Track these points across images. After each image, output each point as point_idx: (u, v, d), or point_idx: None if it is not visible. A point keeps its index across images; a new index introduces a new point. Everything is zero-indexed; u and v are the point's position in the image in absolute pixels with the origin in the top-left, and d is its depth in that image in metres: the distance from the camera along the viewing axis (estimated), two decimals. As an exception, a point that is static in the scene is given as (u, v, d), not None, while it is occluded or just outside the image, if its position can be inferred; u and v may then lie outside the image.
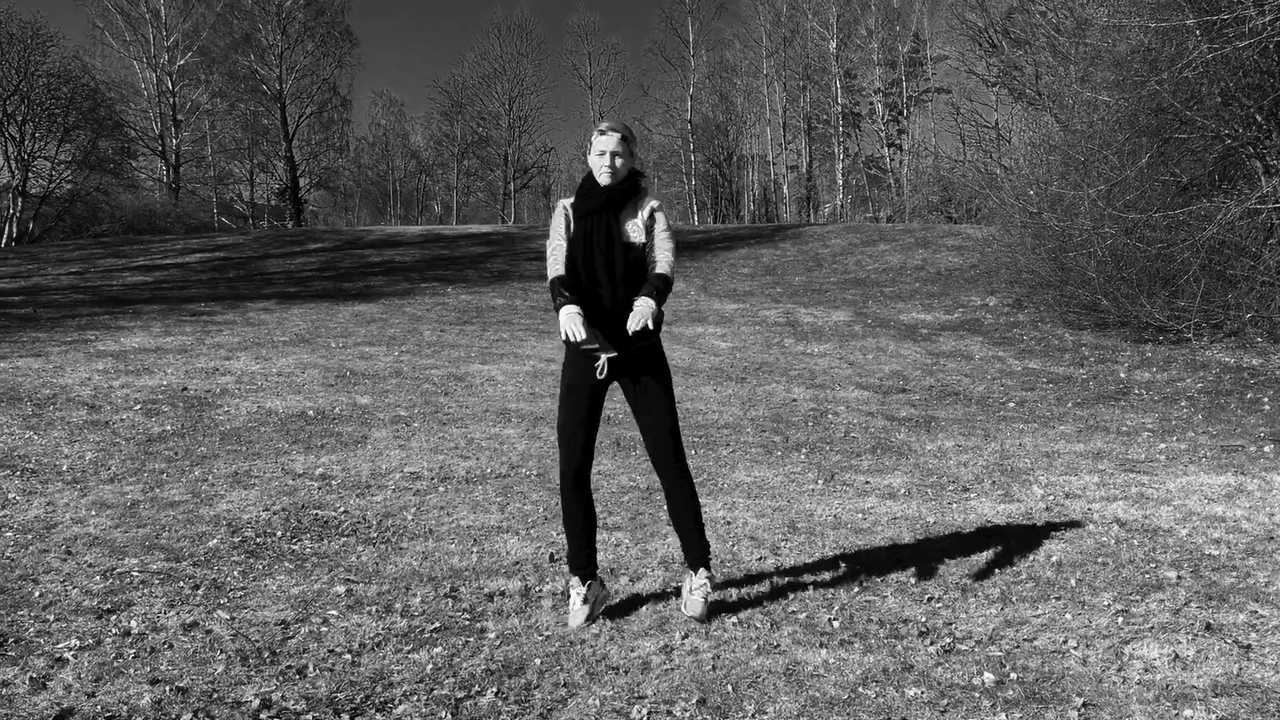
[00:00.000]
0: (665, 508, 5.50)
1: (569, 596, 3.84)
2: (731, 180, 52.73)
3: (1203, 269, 11.84)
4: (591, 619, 3.74)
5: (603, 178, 3.64)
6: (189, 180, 45.02)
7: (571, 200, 3.74)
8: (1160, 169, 12.66)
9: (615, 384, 3.79)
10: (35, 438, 7.00)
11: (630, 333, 3.47)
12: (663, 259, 3.67)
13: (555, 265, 3.65)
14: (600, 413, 3.79)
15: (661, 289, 3.57)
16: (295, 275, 19.59)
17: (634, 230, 3.66)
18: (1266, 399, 9.17)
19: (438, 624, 3.76)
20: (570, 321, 3.40)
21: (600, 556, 4.63)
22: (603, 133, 3.66)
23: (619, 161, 3.64)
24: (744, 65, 50.66)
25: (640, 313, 3.45)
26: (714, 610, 3.83)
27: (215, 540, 4.84)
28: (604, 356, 3.63)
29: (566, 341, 3.58)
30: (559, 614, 3.86)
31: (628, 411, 7.54)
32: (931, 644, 3.53)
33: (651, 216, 3.70)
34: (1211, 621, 3.73)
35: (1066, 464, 6.76)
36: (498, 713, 3.03)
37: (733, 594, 4.10)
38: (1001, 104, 40.28)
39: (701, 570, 3.80)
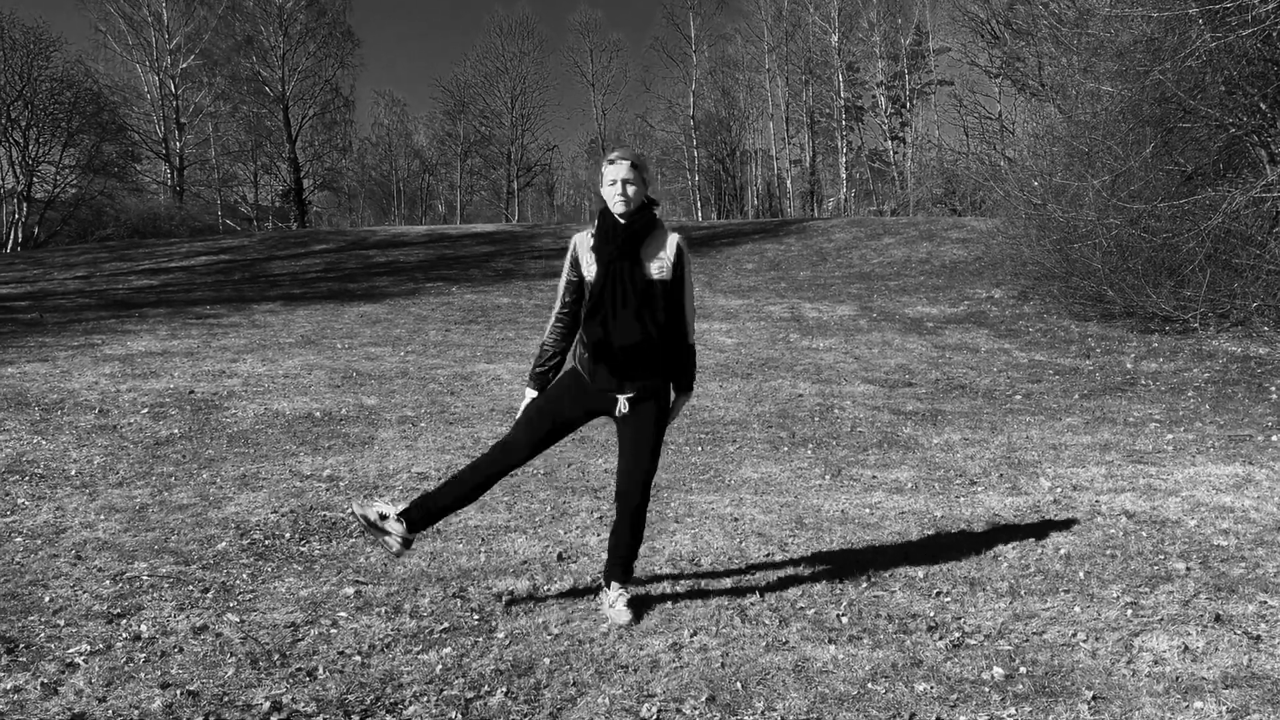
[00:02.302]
0: (669, 505, 5.50)
1: (384, 515, 3.70)
2: (735, 175, 52.67)
3: (1208, 258, 11.81)
4: (367, 527, 3.66)
5: (617, 207, 3.64)
6: (193, 183, 45.06)
7: (590, 242, 3.72)
8: (1164, 159, 12.62)
9: (595, 419, 3.85)
10: (43, 442, 7.02)
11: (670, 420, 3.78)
12: (689, 319, 3.78)
13: (549, 327, 3.81)
14: (565, 433, 3.82)
15: (693, 369, 3.85)
16: (300, 277, 19.62)
17: (657, 269, 3.66)
18: (1274, 388, 9.14)
19: (447, 624, 3.77)
20: (522, 405, 3.79)
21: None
22: (612, 162, 3.65)
23: (631, 190, 3.62)
24: (746, 60, 50.62)
25: (679, 411, 3.88)
26: (717, 607, 3.84)
27: (224, 543, 4.85)
28: (622, 398, 3.68)
29: (574, 366, 3.78)
30: (568, 612, 3.86)
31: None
32: (940, 639, 3.53)
33: (679, 254, 3.71)
34: (1221, 613, 3.72)
35: (1074, 456, 6.75)
36: (507, 712, 3.04)
37: (740, 590, 4.10)
38: (1004, 95, 40.17)
39: (614, 584, 3.85)
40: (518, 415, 3.69)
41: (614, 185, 3.63)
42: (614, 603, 3.82)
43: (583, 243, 3.74)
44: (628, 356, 3.61)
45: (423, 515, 3.73)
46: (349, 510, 3.65)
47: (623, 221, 3.64)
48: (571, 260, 3.75)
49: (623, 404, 3.67)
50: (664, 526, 5.11)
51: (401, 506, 3.73)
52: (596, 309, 3.63)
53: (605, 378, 3.66)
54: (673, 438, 7.28)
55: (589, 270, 3.68)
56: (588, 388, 3.72)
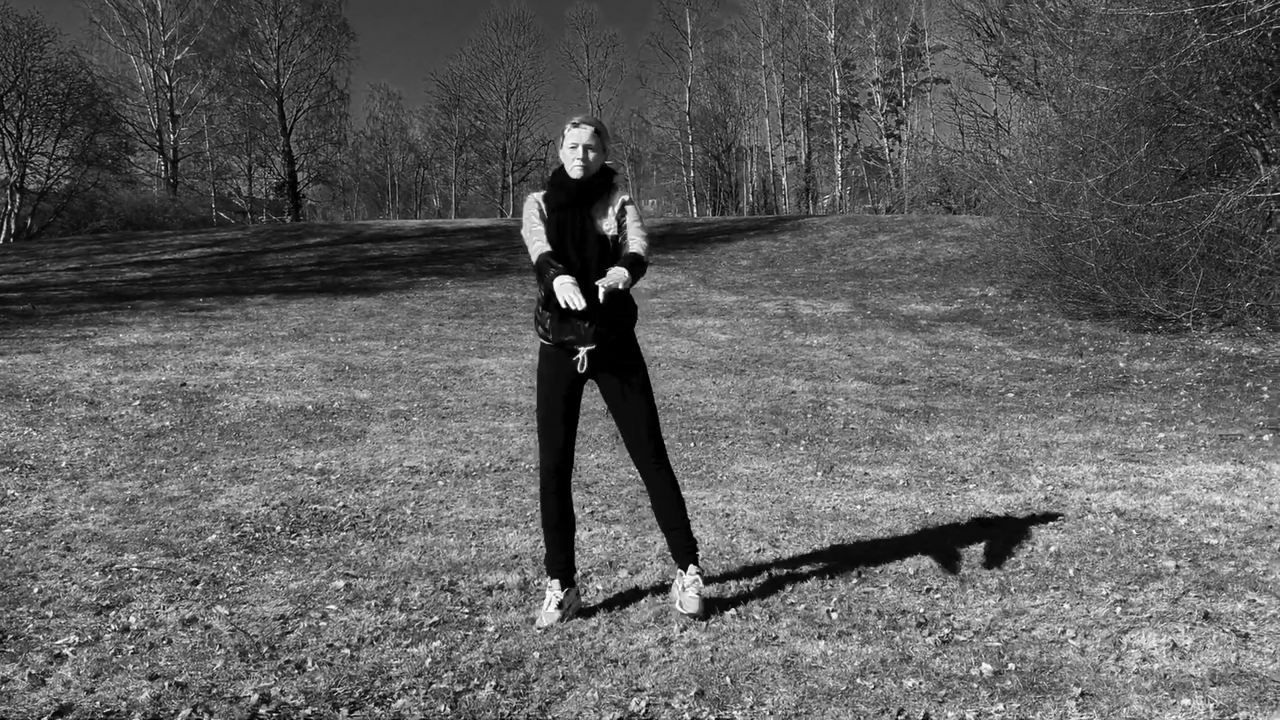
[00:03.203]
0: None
1: (544, 595, 3.84)
2: (730, 172, 52.65)
3: (1202, 258, 11.83)
4: (561, 621, 3.71)
5: (574, 170, 3.62)
6: (187, 175, 44.98)
7: (543, 193, 3.70)
8: (1159, 158, 12.64)
9: (592, 382, 3.78)
10: (34, 434, 7.00)
11: (599, 296, 3.43)
12: (635, 242, 3.62)
13: (540, 244, 3.57)
14: (578, 411, 3.79)
15: (634, 264, 3.51)
16: (294, 270, 19.58)
17: (607, 225, 3.64)
18: (1265, 388, 9.17)
19: (436, 618, 3.76)
20: (567, 290, 3.34)
21: (599, 549, 4.64)
22: (575, 125, 3.63)
23: (591, 155, 3.61)
24: (742, 57, 50.55)
25: (612, 276, 3.40)
26: (711, 604, 3.83)
27: (214, 535, 4.85)
28: (582, 350, 3.62)
29: (544, 337, 3.67)
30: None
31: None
32: (930, 635, 3.54)
33: (622, 209, 3.67)
34: (1210, 610, 3.73)
35: (1065, 454, 6.76)
36: (496, 706, 3.04)
37: (731, 586, 4.10)
38: (1000, 94, 40.19)
39: (691, 567, 3.79)
40: (559, 294, 3.34)
41: (574, 149, 3.61)
42: (687, 587, 3.75)
43: (539, 196, 3.70)
44: (583, 310, 3.51)
45: (564, 567, 3.80)
46: (541, 628, 3.65)
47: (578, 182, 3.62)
48: (538, 210, 3.65)
49: (583, 356, 3.63)
50: (655, 521, 5.11)
51: (555, 584, 3.78)
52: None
53: (564, 330, 3.62)
54: (666, 434, 7.27)
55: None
56: (554, 357, 3.69)
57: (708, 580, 4.10)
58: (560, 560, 3.80)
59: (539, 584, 4.14)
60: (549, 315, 3.63)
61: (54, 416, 7.53)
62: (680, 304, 15.44)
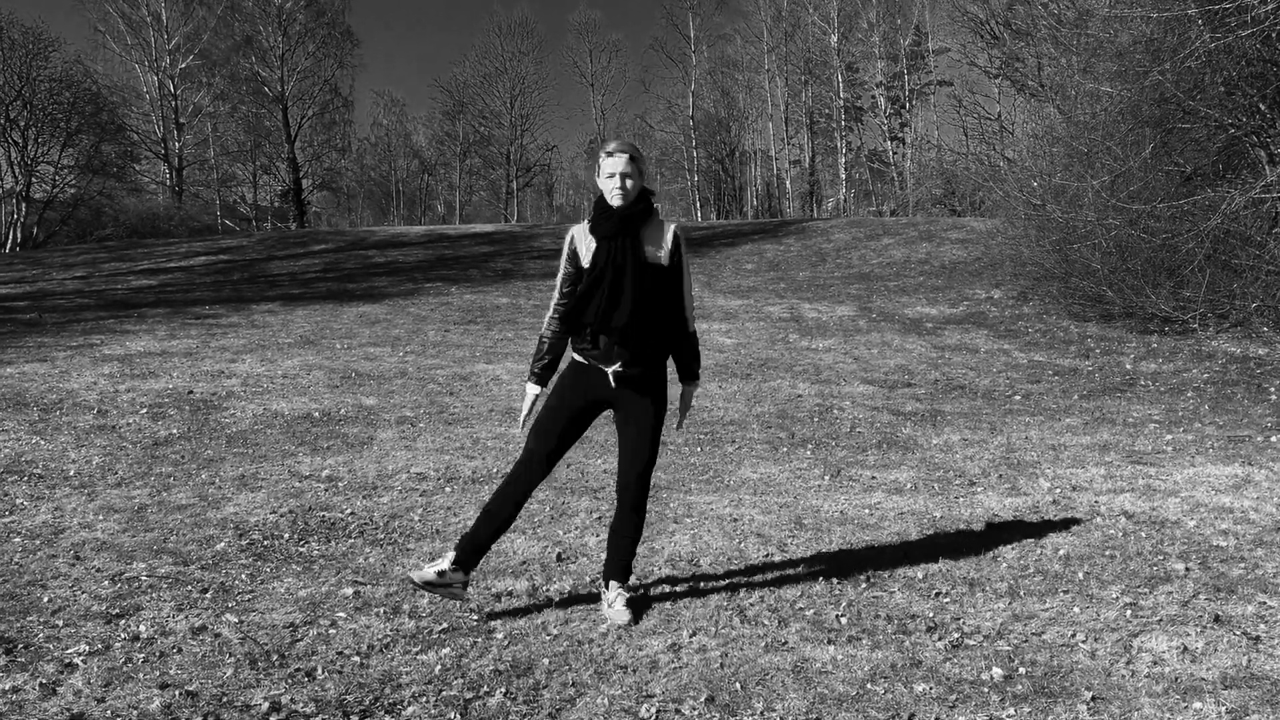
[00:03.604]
0: (669, 505, 5.50)
1: (442, 571, 3.73)
2: (734, 176, 52.67)
3: (1208, 259, 11.81)
4: (432, 589, 3.70)
5: (614, 199, 3.64)
6: (192, 183, 45.04)
7: (585, 226, 3.74)
8: (1164, 159, 12.62)
9: (596, 420, 3.83)
10: (42, 443, 7.01)
11: (676, 429, 3.70)
12: (689, 307, 3.79)
13: (548, 315, 3.80)
14: (579, 435, 3.83)
15: (697, 359, 3.89)
16: (299, 277, 19.61)
17: (654, 254, 3.68)
18: (1273, 388, 9.14)
19: (445, 625, 3.76)
20: (526, 403, 3.80)
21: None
22: (610, 154, 3.66)
23: (629, 182, 3.63)
24: (745, 60, 50.62)
25: (689, 402, 3.94)
26: (716, 607, 3.83)
27: (223, 543, 4.85)
28: (610, 369, 3.68)
29: (572, 358, 3.79)
30: (567, 612, 3.86)
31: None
32: (939, 639, 3.53)
33: (676, 242, 3.72)
34: (1220, 613, 3.72)
35: (1073, 456, 6.75)
36: (506, 713, 3.04)
37: (739, 591, 4.10)
38: (1004, 96, 40.18)
39: (614, 584, 3.85)
40: (521, 413, 3.70)
41: (612, 178, 3.64)
42: (613, 602, 3.81)
43: (580, 232, 3.75)
44: (623, 331, 3.61)
45: (470, 553, 3.78)
46: (406, 582, 3.70)
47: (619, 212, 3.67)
48: (570, 252, 3.74)
49: (611, 376, 3.66)
50: (663, 527, 5.11)
51: (451, 556, 3.76)
52: (596, 284, 3.63)
53: (598, 352, 3.66)
54: (672, 439, 7.28)
55: (586, 256, 3.69)
56: (585, 373, 3.73)
57: (717, 589, 4.10)
58: (471, 559, 3.78)
59: (547, 590, 4.14)
60: (584, 339, 3.72)
61: (61, 425, 7.55)
62: (685, 308, 15.41)
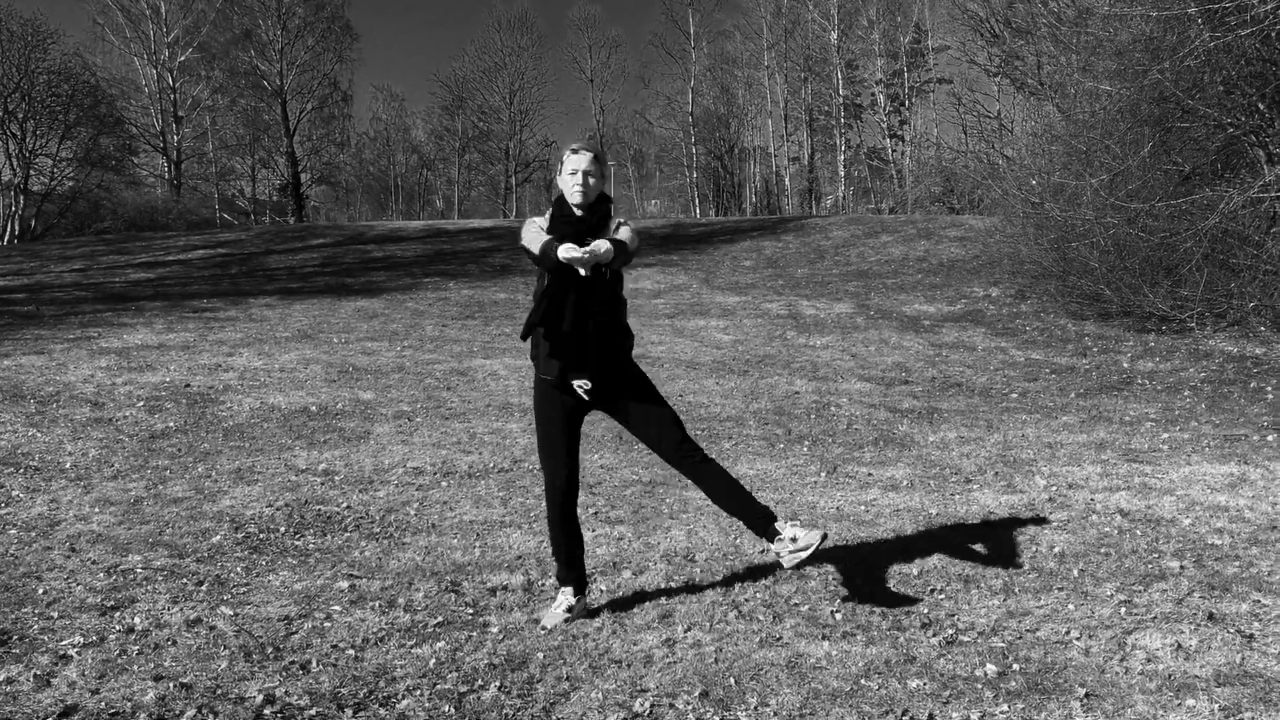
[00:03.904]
0: (665, 501, 5.50)
1: (550, 596, 3.87)
2: (733, 172, 52.65)
3: (1205, 258, 11.81)
4: (565, 624, 3.72)
5: (574, 196, 3.61)
6: (191, 176, 45.04)
7: (546, 220, 3.67)
8: (1162, 158, 12.63)
9: (596, 410, 3.78)
10: (39, 435, 7.01)
11: (582, 270, 3.40)
12: (622, 233, 3.60)
13: (546, 238, 3.55)
14: (579, 438, 3.79)
15: (620, 246, 3.45)
16: (297, 271, 19.60)
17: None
18: (1270, 388, 9.15)
19: (440, 619, 3.77)
20: (570, 252, 3.29)
21: (603, 550, 4.64)
22: (575, 152, 3.62)
23: (591, 180, 3.60)
24: (745, 57, 50.57)
25: (594, 246, 3.34)
26: (712, 603, 3.84)
27: (218, 536, 4.85)
28: (578, 383, 3.60)
29: (543, 374, 3.66)
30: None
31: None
32: (934, 635, 3.54)
33: (617, 229, 3.64)
34: (1214, 611, 3.73)
35: (1069, 454, 6.76)
36: (501, 707, 3.04)
37: (735, 587, 4.10)
38: (1003, 94, 40.19)
39: (784, 522, 3.64)
40: (582, 254, 3.31)
41: (574, 175, 3.60)
42: (795, 534, 3.58)
43: (540, 223, 3.66)
44: (580, 343, 3.56)
45: (575, 579, 3.83)
46: (542, 630, 3.66)
47: (579, 213, 3.61)
48: (538, 228, 3.62)
49: (582, 388, 3.63)
50: (659, 522, 5.11)
51: (569, 590, 3.81)
52: (549, 292, 3.56)
53: (558, 366, 3.61)
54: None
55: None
56: (554, 389, 3.67)
57: (712, 584, 4.10)
58: (572, 575, 3.83)
59: (543, 584, 4.15)
60: (543, 352, 3.62)
61: (58, 418, 7.55)
62: (683, 305, 15.44)
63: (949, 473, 6.28)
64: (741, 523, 3.81)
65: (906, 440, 7.33)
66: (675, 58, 51.29)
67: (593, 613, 3.82)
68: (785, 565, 3.59)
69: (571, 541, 3.81)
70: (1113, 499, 5.49)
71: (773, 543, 3.62)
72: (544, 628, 3.67)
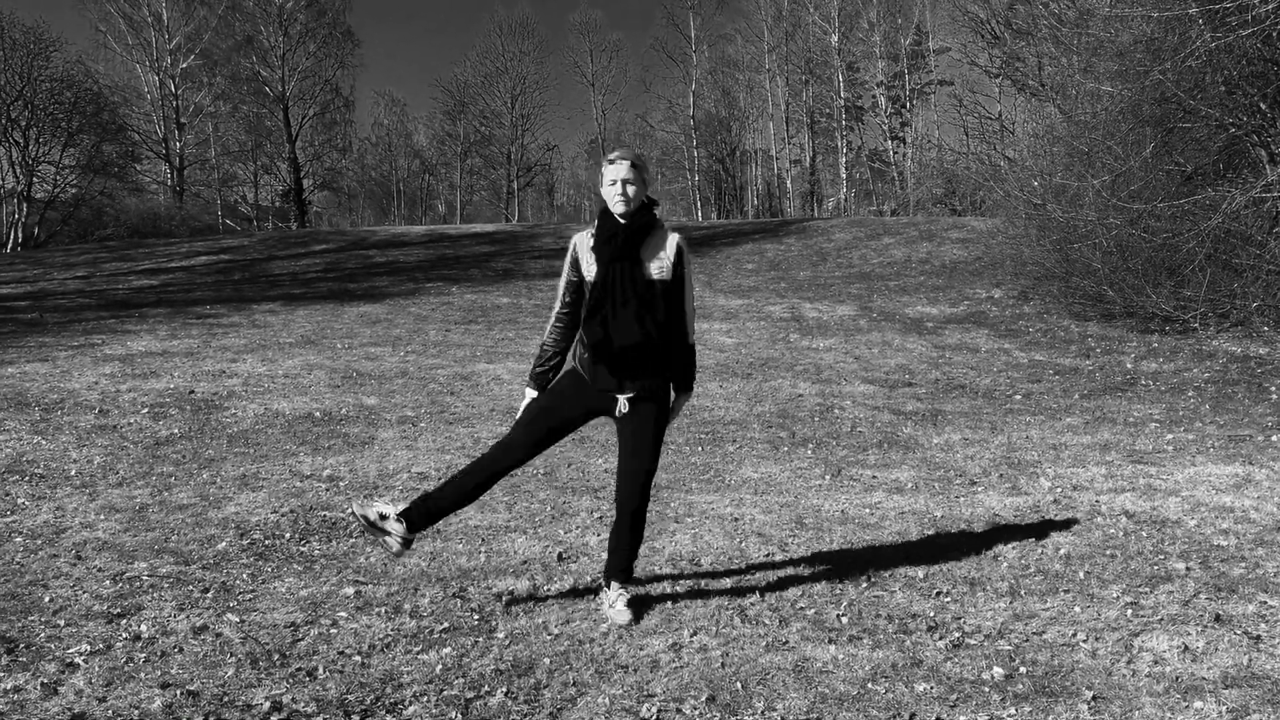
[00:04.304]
0: (669, 505, 5.50)
1: (385, 515, 3.71)
2: (735, 175, 52.66)
3: (1208, 258, 11.80)
4: (367, 527, 3.68)
5: (617, 207, 3.64)
6: (193, 183, 45.05)
7: (590, 242, 3.72)
8: (1164, 159, 12.62)
9: (595, 420, 3.85)
10: (43, 442, 7.02)
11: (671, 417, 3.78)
12: (690, 318, 3.77)
13: (549, 327, 3.82)
14: (564, 437, 3.85)
15: (693, 369, 3.85)
16: (300, 277, 19.62)
17: (657, 269, 3.66)
18: (1274, 388, 9.14)
19: (446, 624, 3.77)
20: (522, 405, 3.80)
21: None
22: (612, 161, 3.65)
23: (631, 189, 3.62)
24: (746, 60, 50.60)
25: (679, 411, 3.89)
26: (717, 607, 3.83)
27: (224, 543, 4.85)
28: (622, 398, 3.68)
29: (574, 366, 3.79)
30: (568, 612, 3.86)
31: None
32: (940, 639, 3.53)
33: (679, 254, 3.70)
34: (1221, 613, 3.72)
35: (1074, 456, 6.75)
36: (507, 712, 3.04)
37: (740, 591, 4.10)
38: (1004, 95, 40.15)
39: (615, 584, 3.85)
40: (518, 415, 3.72)
41: (614, 185, 3.62)
42: (614, 602, 3.81)
43: (583, 243, 3.74)
44: (627, 356, 3.62)
45: (423, 515, 3.74)
46: (348, 510, 3.66)
47: (623, 221, 3.64)
48: (571, 260, 3.75)
49: (623, 404, 3.68)
50: (664, 526, 5.11)
51: (402, 506, 3.74)
52: (596, 309, 3.63)
53: (605, 378, 3.67)
54: (673, 438, 7.28)
55: (589, 270, 3.69)
56: (587, 388, 3.73)
57: (718, 588, 4.10)
58: (426, 510, 3.74)
59: (548, 589, 4.15)
60: (588, 361, 3.71)
61: (63, 425, 7.56)
62: (686, 308, 15.41)
63: (953, 475, 6.28)
64: (606, 557, 3.95)
65: (911, 443, 7.32)
66: (676, 61, 51.38)
67: (598, 618, 3.81)
68: (606, 610, 3.81)
69: (462, 500, 3.77)
70: (1118, 500, 5.49)
71: (608, 586, 3.88)
72: (351, 508, 3.69)
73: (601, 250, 3.66)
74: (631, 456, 3.74)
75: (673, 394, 3.84)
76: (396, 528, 3.69)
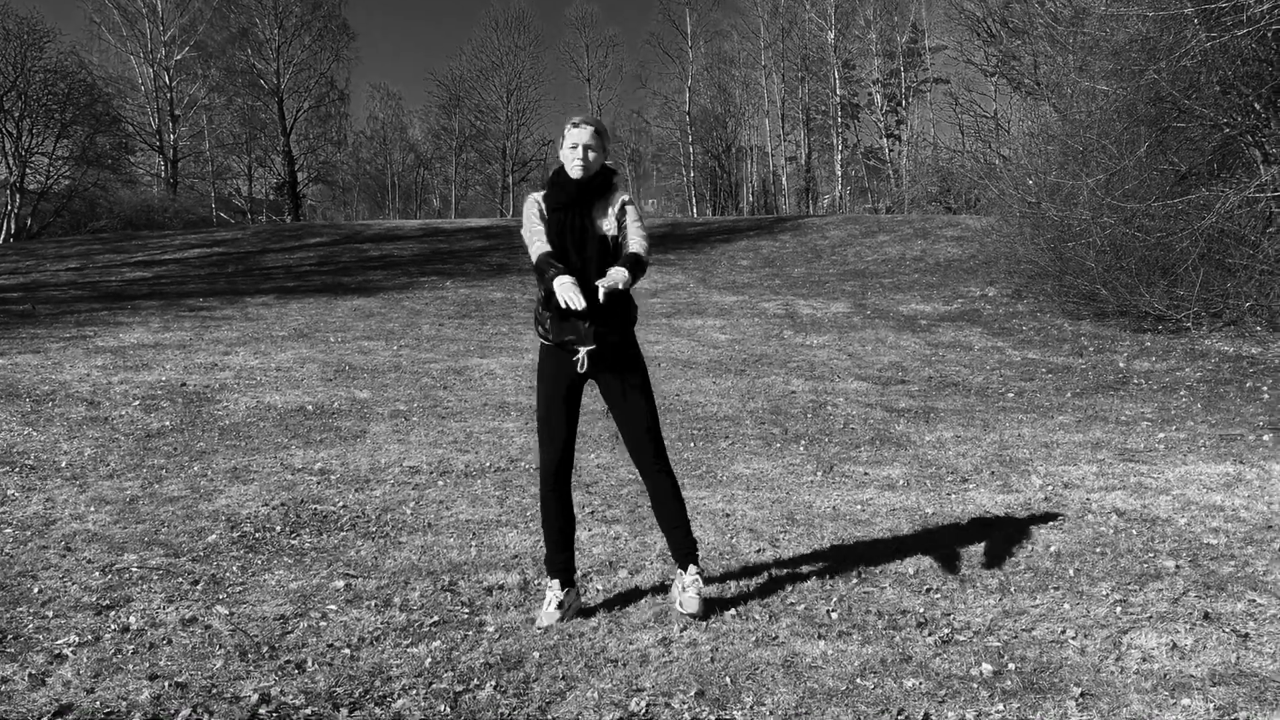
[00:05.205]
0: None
1: (543, 595, 3.85)
2: (730, 172, 52.64)
3: (1202, 258, 11.83)
4: (561, 621, 3.71)
5: (574, 170, 3.62)
6: (187, 175, 44.98)
7: (543, 193, 3.71)
8: (1159, 158, 12.64)
9: (592, 382, 3.78)
10: (34, 434, 7.00)
11: (599, 296, 3.44)
12: (635, 241, 3.63)
13: (540, 244, 3.58)
14: (579, 411, 3.80)
15: (634, 264, 3.52)
16: (294, 270, 19.58)
17: (607, 225, 3.64)
18: (1265, 388, 9.16)
19: (436, 618, 3.76)
20: (567, 290, 3.35)
21: (598, 549, 4.64)
22: (575, 125, 3.63)
23: (591, 155, 3.62)
24: (742, 57, 50.55)
25: (611, 276, 3.41)
26: (711, 604, 3.83)
27: (214, 535, 4.85)
28: (582, 350, 3.62)
29: (544, 337, 3.68)
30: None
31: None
32: (930, 635, 3.54)
33: (622, 209, 3.67)
34: (1210, 610, 3.73)
35: (1065, 454, 6.76)
36: (496, 706, 3.04)
37: (731, 586, 4.10)
38: (1000, 94, 40.19)
39: (691, 567, 3.79)
40: (575, 301, 3.33)
41: (575, 149, 3.62)
42: (686, 587, 3.74)
43: (540, 198, 3.69)
44: (580, 313, 3.52)
45: (563, 567, 3.80)
46: (541, 628, 3.62)
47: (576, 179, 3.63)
48: (538, 211, 3.66)
49: (583, 356, 3.63)
50: (655, 521, 5.11)
51: (556, 584, 3.78)
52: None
53: (563, 329, 3.62)
54: (666, 434, 7.27)
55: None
56: (554, 354, 3.70)
57: (708, 580, 4.10)
58: (560, 560, 3.80)
59: (539, 584, 4.14)
60: (549, 315, 3.64)
61: (54, 416, 7.53)
62: (680, 304, 15.44)
63: (945, 472, 6.29)
64: (667, 542, 3.90)
65: (903, 440, 7.33)
66: (672, 57, 51.28)
67: (588, 612, 3.81)
68: (678, 600, 3.76)
69: (565, 518, 3.80)
70: (1108, 498, 5.50)
71: (685, 572, 3.78)
72: (539, 628, 3.66)
73: (552, 197, 3.64)
74: (629, 423, 3.74)
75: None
76: (570, 595, 3.80)
